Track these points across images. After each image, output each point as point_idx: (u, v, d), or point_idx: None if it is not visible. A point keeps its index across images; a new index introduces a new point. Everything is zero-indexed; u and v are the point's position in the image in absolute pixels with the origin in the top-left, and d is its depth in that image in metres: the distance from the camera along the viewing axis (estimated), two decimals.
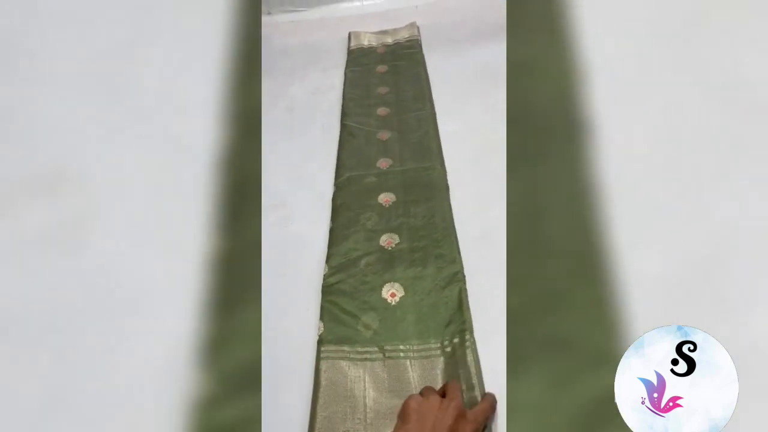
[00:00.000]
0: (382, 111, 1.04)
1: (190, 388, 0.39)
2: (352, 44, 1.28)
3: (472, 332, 0.62)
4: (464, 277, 0.69)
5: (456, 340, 0.62)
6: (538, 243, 0.46)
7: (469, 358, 0.60)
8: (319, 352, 0.63)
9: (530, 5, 0.56)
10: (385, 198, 0.83)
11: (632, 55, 0.52)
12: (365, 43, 1.29)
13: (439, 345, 0.62)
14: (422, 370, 0.60)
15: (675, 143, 0.47)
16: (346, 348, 0.63)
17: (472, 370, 0.58)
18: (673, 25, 0.52)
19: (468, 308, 0.65)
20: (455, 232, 0.76)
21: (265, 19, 1.46)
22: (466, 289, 0.67)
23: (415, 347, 0.62)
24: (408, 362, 0.61)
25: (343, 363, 0.62)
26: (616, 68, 0.51)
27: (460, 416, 0.48)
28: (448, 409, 0.48)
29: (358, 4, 1.48)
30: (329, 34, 1.35)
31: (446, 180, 0.85)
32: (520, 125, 0.50)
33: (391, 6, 1.46)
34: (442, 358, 0.61)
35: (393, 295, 0.69)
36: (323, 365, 0.62)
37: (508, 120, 0.51)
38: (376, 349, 0.63)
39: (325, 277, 0.72)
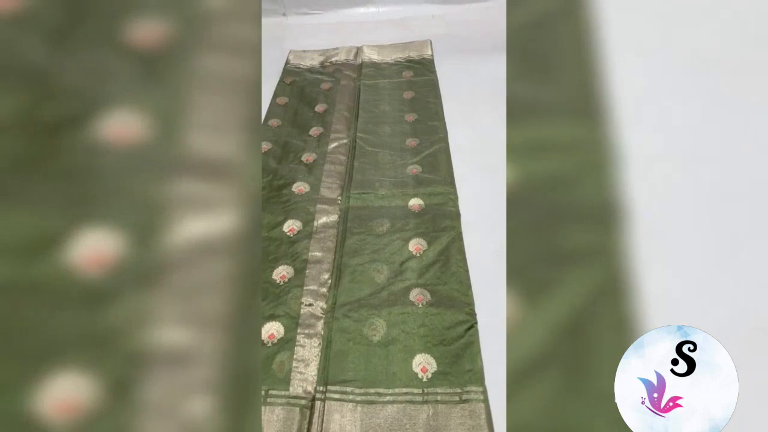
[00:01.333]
0: (411, 142, 1.02)
1: None
2: (360, 59, 1.29)
3: (483, 381, 0.62)
4: (476, 320, 0.69)
5: (472, 388, 0.62)
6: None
7: (483, 413, 0.59)
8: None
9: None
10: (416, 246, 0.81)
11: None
12: (376, 58, 1.29)
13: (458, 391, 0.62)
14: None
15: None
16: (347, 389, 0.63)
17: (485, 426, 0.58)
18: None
19: (480, 352, 0.65)
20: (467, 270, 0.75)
21: (280, 20, 1.47)
22: (477, 330, 0.67)
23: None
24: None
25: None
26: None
27: None
28: None
29: (374, 10, 1.49)
30: (343, 39, 1.36)
31: (458, 207, 0.86)
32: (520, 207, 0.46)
33: (406, 14, 1.47)
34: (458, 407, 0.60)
35: None
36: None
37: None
38: None
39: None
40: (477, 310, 0.70)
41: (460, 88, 1.16)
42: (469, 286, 0.72)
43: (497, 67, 1.16)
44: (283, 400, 0.62)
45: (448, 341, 0.66)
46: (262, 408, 0.60)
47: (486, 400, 0.60)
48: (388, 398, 0.61)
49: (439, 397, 0.61)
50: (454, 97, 1.13)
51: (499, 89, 1.07)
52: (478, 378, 0.62)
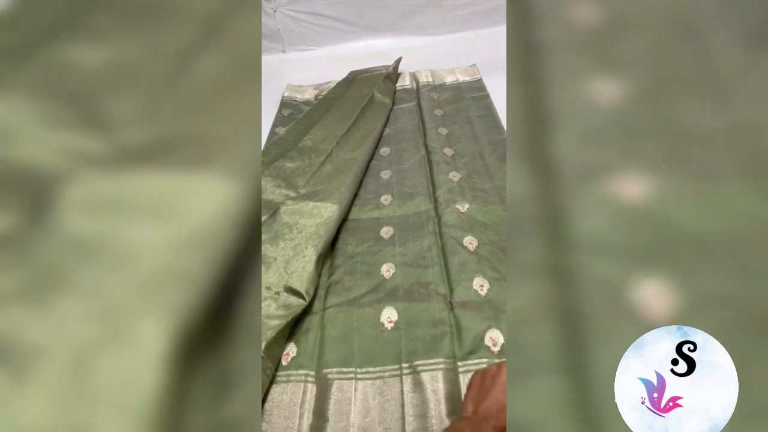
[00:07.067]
0: (447, 151, 1.03)
1: None
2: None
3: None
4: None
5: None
6: None
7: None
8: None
9: None
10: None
11: None
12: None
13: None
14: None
15: None
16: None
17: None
18: None
19: None
20: None
21: (280, 56, 1.47)
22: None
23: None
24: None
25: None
26: None
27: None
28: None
29: (362, 44, 1.50)
30: (337, 69, 1.36)
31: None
32: None
33: (390, 46, 1.47)
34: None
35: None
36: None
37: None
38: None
39: None
40: None
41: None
42: None
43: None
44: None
45: None
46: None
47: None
48: None
49: None
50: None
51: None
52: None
